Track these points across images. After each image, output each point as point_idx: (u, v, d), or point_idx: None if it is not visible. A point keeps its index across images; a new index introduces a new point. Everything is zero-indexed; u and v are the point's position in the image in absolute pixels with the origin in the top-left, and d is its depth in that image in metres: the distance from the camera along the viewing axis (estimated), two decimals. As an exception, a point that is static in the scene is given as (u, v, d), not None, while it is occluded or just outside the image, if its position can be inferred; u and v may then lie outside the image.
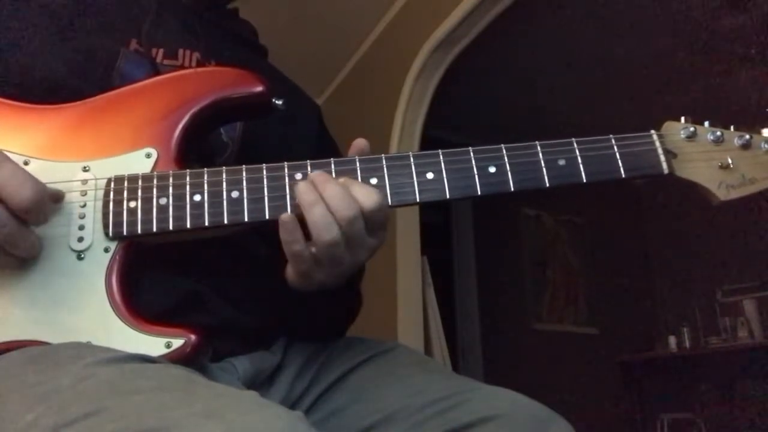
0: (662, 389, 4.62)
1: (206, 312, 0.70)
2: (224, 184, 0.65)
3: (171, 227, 0.63)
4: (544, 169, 0.68)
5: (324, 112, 0.97)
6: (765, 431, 3.82)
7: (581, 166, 0.69)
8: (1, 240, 0.57)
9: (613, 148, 0.70)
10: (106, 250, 0.63)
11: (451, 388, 0.68)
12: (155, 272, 0.67)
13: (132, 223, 0.63)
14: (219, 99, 0.70)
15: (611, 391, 4.59)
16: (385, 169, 0.67)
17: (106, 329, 0.60)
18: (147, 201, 0.64)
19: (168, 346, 0.59)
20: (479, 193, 0.67)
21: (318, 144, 0.90)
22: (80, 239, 0.62)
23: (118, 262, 0.62)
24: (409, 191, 0.66)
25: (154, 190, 0.64)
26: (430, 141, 2.72)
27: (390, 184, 0.66)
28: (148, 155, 0.66)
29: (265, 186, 0.65)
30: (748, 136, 0.72)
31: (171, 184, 0.65)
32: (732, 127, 0.73)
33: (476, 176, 0.67)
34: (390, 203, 0.66)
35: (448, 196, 0.67)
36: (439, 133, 3.41)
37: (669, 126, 0.73)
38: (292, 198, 0.64)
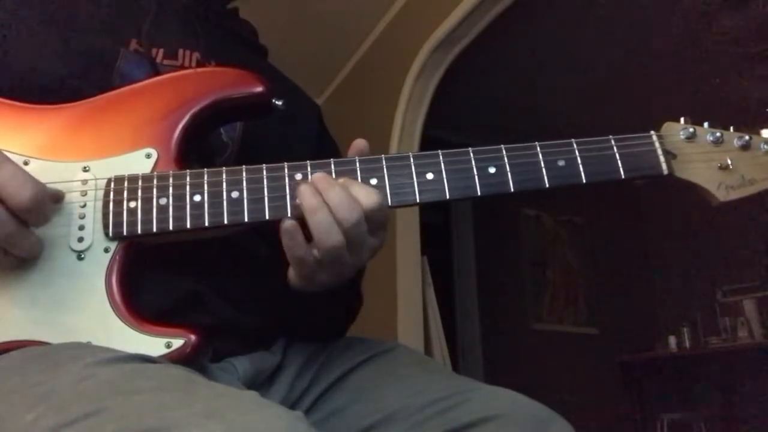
0: (662, 389, 4.62)
1: (206, 312, 0.70)
2: (224, 184, 0.65)
3: (171, 227, 0.63)
4: (544, 170, 0.68)
5: (324, 112, 0.97)
6: (765, 431, 3.82)
7: (581, 166, 0.69)
8: (1, 240, 0.57)
9: (613, 149, 0.70)
10: (106, 250, 0.63)
11: (451, 388, 0.67)
12: (155, 272, 0.67)
13: (132, 223, 0.63)
14: (219, 99, 0.70)
15: (611, 391, 4.59)
16: (384, 170, 0.67)
17: (106, 329, 0.60)
18: (147, 201, 0.64)
19: (168, 346, 0.59)
20: (479, 193, 0.67)
21: (318, 144, 0.90)
22: (80, 239, 0.62)
23: (118, 262, 0.62)
24: (408, 192, 0.66)
25: (154, 191, 0.64)
26: (430, 141, 2.72)
27: (390, 185, 0.66)
28: (148, 155, 0.66)
29: (265, 186, 0.65)
30: (747, 137, 0.72)
31: (171, 185, 0.65)
32: (731, 128, 0.73)
33: (476, 177, 0.67)
34: (390, 204, 0.66)
35: (448, 197, 0.67)
36: (439, 133, 3.41)
37: (668, 127, 0.73)
38: (292, 198, 0.64)
